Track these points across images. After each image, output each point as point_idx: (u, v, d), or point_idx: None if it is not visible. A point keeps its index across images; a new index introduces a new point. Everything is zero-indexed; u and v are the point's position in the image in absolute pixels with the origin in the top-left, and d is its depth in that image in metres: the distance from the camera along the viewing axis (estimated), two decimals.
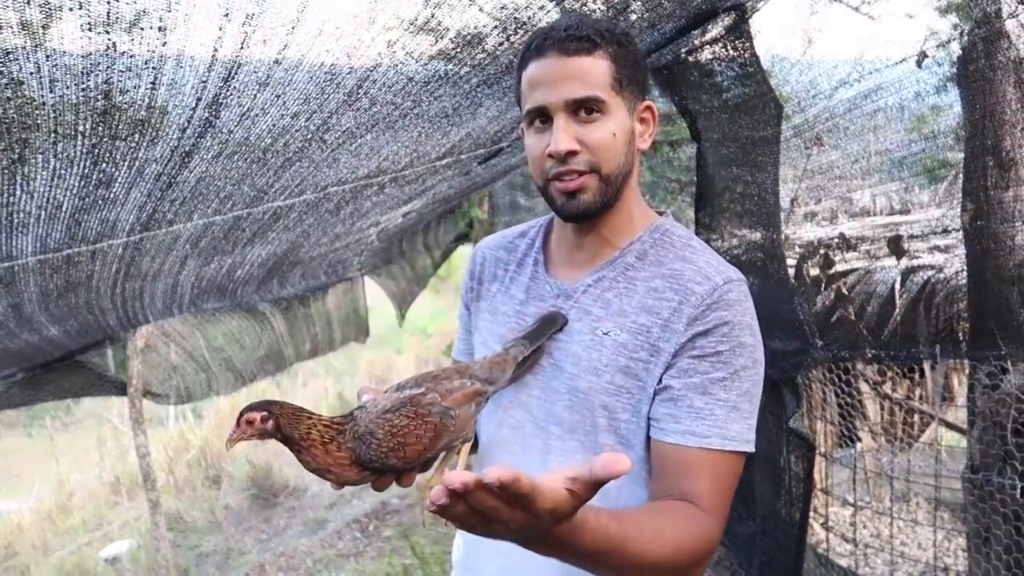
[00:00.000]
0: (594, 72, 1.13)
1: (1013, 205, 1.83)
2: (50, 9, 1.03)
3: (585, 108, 1.14)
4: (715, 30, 2.43)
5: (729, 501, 1.13)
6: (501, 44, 1.75)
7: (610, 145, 1.15)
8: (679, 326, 1.14)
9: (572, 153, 1.14)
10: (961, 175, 1.96)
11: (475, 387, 1.13)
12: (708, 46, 2.51)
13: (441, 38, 1.62)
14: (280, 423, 1.00)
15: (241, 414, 1.00)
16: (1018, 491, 1.95)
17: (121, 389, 4.77)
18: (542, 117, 1.16)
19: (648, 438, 1.17)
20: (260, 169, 1.96)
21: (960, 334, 2.04)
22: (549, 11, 1.66)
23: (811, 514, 3.28)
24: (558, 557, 0.91)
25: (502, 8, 1.61)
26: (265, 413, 0.99)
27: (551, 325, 1.23)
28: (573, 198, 1.16)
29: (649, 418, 1.16)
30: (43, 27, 1.04)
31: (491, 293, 1.38)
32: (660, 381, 1.15)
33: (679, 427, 1.12)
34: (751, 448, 1.13)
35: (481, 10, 1.61)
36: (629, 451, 1.18)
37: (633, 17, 1.99)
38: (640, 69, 1.22)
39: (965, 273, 2.01)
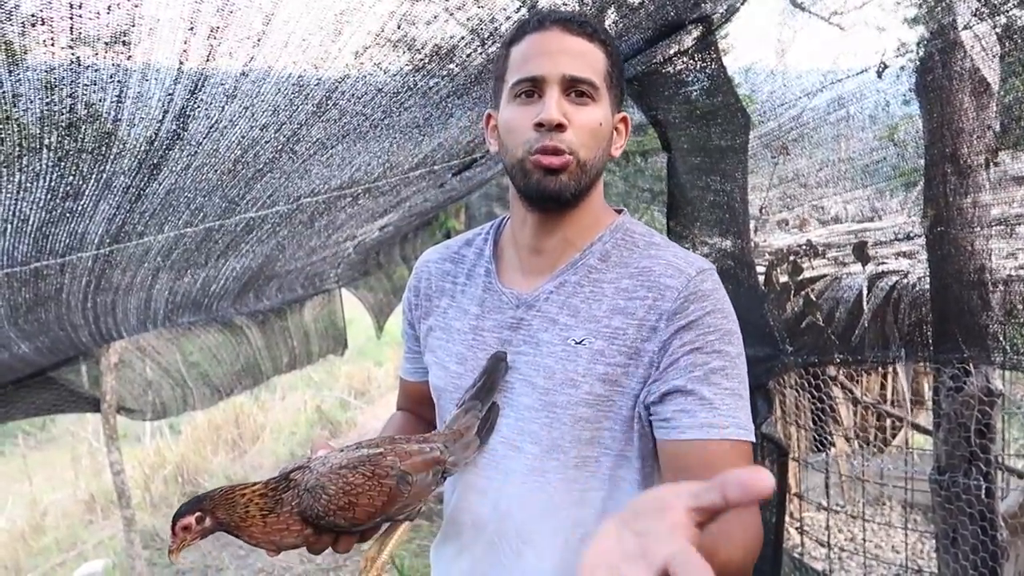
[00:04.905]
0: (592, 57, 1.12)
1: (971, 211, 1.87)
2: (19, 23, 1.03)
3: (578, 90, 1.11)
4: (683, 42, 2.47)
5: None
6: (471, 53, 1.77)
7: (594, 133, 1.12)
8: (660, 324, 1.10)
9: (560, 127, 1.09)
10: (922, 182, 2.00)
11: (434, 454, 1.09)
12: (677, 57, 2.55)
13: (409, 49, 1.64)
14: (217, 515, 0.97)
15: (175, 521, 0.97)
16: (983, 491, 1.99)
17: (95, 405, 4.72)
18: (531, 89, 1.12)
19: (636, 444, 1.14)
20: (231, 181, 1.97)
21: (924, 338, 2.08)
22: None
23: (786, 518, 3.30)
24: None
25: (472, 18, 1.63)
26: (199, 514, 0.97)
27: (496, 373, 1.17)
28: (552, 175, 1.10)
29: (653, 421, 1.12)
30: (6, 43, 1.05)
31: (440, 309, 1.30)
32: (650, 382, 1.11)
33: (695, 420, 1.06)
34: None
35: (451, 17, 1.63)
36: (617, 460, 1.14)
37: (607, 23, 2.02)
38: (623, 78, 1.22)
39: (928, 279, 2.05)
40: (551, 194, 1.12)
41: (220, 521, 0.97)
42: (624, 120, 1.22)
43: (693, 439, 1.07)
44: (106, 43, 1.13)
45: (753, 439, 1.10)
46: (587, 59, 1.11)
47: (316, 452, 1.08)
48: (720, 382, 1.08)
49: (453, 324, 1.27)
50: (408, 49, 1.62)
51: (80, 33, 1.09)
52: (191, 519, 0.96)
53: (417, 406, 1.43)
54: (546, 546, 1.15)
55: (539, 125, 1.09)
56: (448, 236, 7.20)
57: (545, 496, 1.14)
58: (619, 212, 1.27)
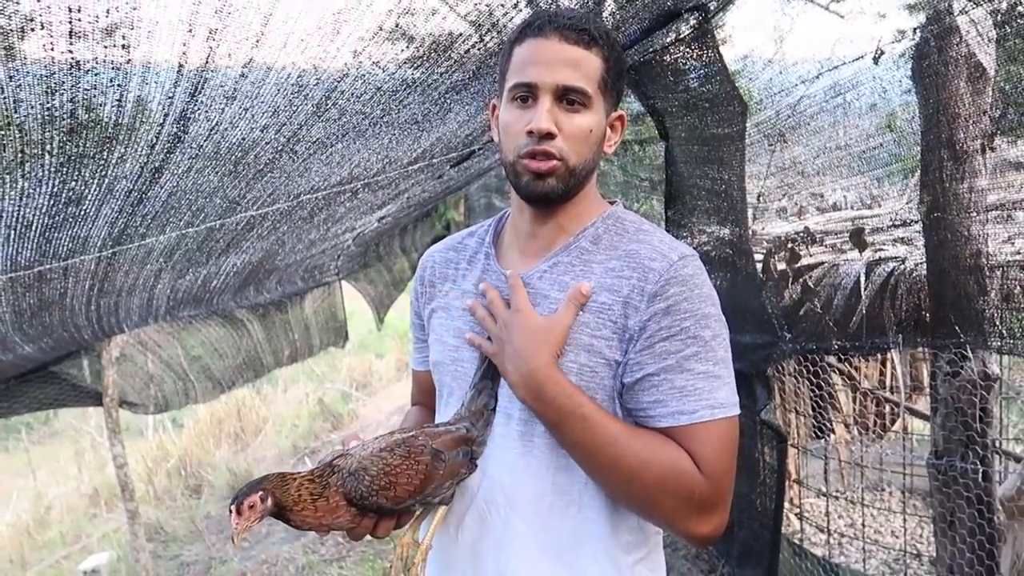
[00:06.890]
0: (587, 65, 1.18)
1: (968, 197, 1.88)
2: (19, 27, 1.04)
3: (570, 98, 1.17)
4: (680, 31, 2.47)
5: (727, 462, 1.17)
6: (470, 48, 1.77)
7: (584, 139, 1.19)
8: (641, 304, 1.17)
9: (550, 135, 1.16)
10: (919, 169, 2.01)
11: (461, 432, 1.17)
12: (674, 46, 2.55)
13: (408, 45, 1.64)
14: (276, 495, 1.01)
15: (239, 502, 0.99)
16: (980, 475, 2.01)
17: (97, 399, 4.73)
18: (527, 95, 1.19)
19: (617, 414, 1.20)
20: (232, 181, 1.97)
21: (922, 323, 2.09)
22: (523, 11, 1.69)
23: (786, 505, 3.33)
24: (534, 403, 1.14)
25: (471, 12, 1.63)
26: (262, 493, 1.00)
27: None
28: (540, 179, 1.19)
29: (631, 407, 1.19)
30: (6, 47, 1.05)
31: (443, 292, 1.38)
32: (626, 361, 1.18)
33: (667, 410, 1.15)
34: (738, 410, 1.18)
35: (451, 11, 1.62)
36: None
37: (605, 14, 2.02)
38: (622, 79, 1.27)
39: (925, 264, 2.06)
40: (539, 196, 1.21)
41: (277, 502, 1.01)
42: (620, 119, 1.29)
43: (667, 426, 1.16)
44: (105, 47, 1.14)
45: (732, 413, 1.17)
46: (582, 68, 1.17)
47: (349, 444, 1.15)
48: (694, 367, 1.15)
49: (453, 303, 1.35)
50: (407, 45, 1.62)
51: (79, 36, 1.09)
52: (256, 497, 0.99)
53: (430, 398, 1.48)
54: (532, 511, 1.21)
55: (530, 132, 1.17)
56: (448, 227, 7.21)
57: (534, 460, 1.21)
58: (612, 203, 1.35)
